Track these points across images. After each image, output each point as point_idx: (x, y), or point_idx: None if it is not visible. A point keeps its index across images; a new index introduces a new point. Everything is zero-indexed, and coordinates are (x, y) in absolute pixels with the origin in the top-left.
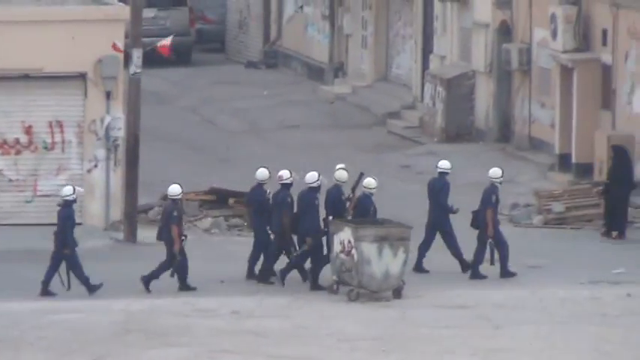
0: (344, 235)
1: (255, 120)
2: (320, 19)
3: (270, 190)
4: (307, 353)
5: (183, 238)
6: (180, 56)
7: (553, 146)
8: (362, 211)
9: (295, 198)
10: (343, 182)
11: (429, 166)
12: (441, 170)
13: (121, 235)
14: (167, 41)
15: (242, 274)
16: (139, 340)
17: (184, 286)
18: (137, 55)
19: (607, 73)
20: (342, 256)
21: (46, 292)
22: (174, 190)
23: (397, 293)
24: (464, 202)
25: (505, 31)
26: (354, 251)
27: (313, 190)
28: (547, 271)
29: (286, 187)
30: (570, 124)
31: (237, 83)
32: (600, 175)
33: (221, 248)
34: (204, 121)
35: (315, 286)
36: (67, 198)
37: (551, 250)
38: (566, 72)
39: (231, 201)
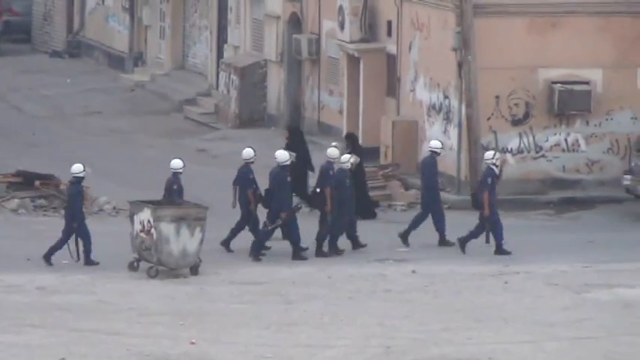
0: (144, 216)
1: (59, 107)
2: (120, 11)
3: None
4: (110, 327)
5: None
6: None
7: (341, 131)
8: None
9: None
10: (334, 159)
11: (223, 150)
12: (432, 149)
13: None
14: None
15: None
16: None
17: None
18: None
19: (392, 62)
20: (142, 235)
21: (48, 260)
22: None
23: (194, 270)
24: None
25: (295, 23)
26: (153, 230)
27: (284, 169)
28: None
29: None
30: (357, 110)
31: (43, 72)
32: (386, 158)
33: (27, 228)
34: (12, 107)
35: (297, 256)
36: (77, 175)
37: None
38: (353, 61)
39: (37, 183)
